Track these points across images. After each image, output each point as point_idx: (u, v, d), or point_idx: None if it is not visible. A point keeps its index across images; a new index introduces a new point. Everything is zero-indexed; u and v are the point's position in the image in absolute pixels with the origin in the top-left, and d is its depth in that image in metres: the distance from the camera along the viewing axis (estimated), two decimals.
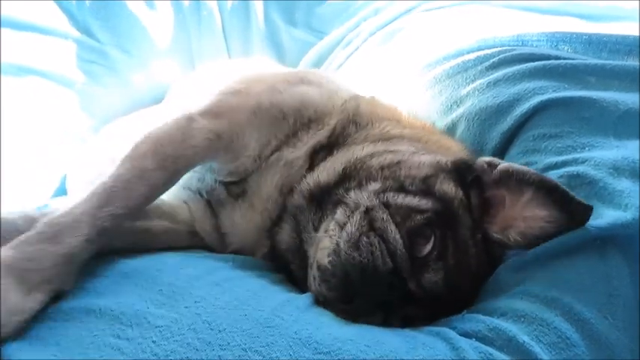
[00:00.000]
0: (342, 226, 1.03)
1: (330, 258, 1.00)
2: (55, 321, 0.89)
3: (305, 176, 1.17)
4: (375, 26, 1.94)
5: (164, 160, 1.11)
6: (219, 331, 0.87)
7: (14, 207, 1.39)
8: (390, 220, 1.03)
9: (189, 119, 1.17)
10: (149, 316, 0.89)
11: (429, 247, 1.03)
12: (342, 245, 1.00)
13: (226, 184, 1.26)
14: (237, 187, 1.25)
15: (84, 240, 0.97)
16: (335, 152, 1.20)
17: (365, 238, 1.01)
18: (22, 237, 0.94)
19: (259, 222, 1.22)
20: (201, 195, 1.31)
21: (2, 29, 2.00)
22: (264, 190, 1.21)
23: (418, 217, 1.04)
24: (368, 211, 1.04)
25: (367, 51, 1.91)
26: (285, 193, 1.19)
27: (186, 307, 0.91)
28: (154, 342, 0.85)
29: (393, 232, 1.02)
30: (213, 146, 1.17)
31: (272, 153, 1.21)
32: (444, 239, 1.04)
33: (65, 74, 2.04)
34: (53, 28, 2.06)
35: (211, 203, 1.29)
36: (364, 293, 0.98)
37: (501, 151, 1.29)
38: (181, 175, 1.16)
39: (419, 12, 1.85)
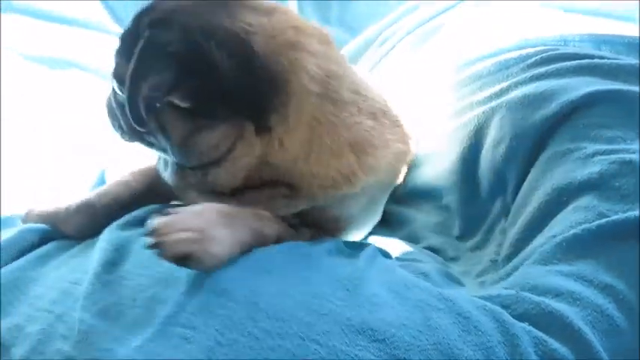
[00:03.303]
0: None
1: None
2: None
3: None
4: (412, 25, 1.94)
5: None
6: (277, 319, 0.87)
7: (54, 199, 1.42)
8: None
9: None
10: (209, 304, 0.90)
11: None
12: None
13: None
14: None
15: None
16: None
17: None
18: None
19: None
20: None
21: (42, 22, 2.04)
22: None
23: None
24: None
25: (404, 49, 1.91)
26: None
27: (244, 296, 0.91)
28: (217, 330, 0.86)
29: None
30: None
31: None
32: None
33: (106, 68, 2.07)
34: (94, 22, 2.10)
35: None
36: None
37: (546, 135, 1.27)
38: None
39: (458, 10, 1.85)
